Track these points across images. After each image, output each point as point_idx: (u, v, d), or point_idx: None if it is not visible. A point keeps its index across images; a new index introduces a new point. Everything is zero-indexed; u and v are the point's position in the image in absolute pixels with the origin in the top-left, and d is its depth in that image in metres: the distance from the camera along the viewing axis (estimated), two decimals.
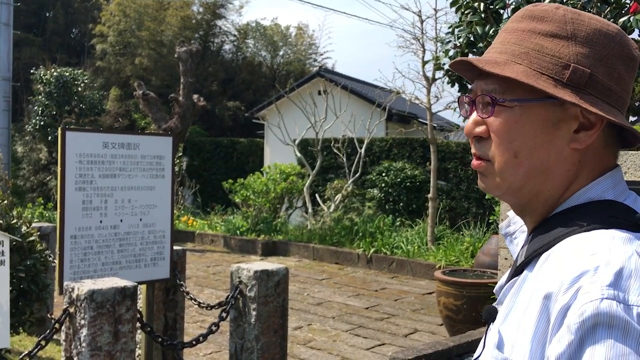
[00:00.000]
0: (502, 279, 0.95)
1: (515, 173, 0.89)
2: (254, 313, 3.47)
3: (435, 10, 9.33)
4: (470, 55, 5.04)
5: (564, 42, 0.86)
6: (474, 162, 0.94)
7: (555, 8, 0.89)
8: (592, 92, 0.84)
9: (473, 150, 0.94)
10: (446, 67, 5.56)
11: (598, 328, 0.70)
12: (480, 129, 0.92)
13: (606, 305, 0.70)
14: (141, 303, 3.78)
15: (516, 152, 0.88)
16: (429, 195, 9.42)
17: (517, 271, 0.89)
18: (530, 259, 0.86)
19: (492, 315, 0.90)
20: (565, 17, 0.87)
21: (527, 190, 0.90)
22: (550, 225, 0.86)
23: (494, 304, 0.94)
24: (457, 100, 1.04)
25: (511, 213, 1.03)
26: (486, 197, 9.84)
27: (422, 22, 9.52)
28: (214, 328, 3.54)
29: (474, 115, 0.93)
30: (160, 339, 3.36)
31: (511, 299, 0.87)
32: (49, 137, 15.16)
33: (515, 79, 0.85)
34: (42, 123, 15.26)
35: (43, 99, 15.39)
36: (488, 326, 0.91)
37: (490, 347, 0.88)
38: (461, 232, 9.61)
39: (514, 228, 1.03)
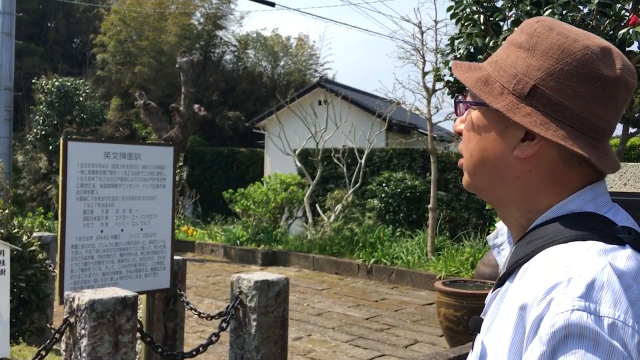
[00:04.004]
0: (491, 290, 0.96)
1: (474, 172, 0.95)
2: (254, 323, 3.47)
3: (436, 22, 9.38)
4: None
5: (524, 53, 0.89)
6: (460, 160, 1.00)
7: (536, 22, 0.92)
8: (536, 103, 0.86)
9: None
10: (446, 78, 5.59)
11: (569, 339, 0.71)
12: (461, 126, 0.99)
13: (576, 317, 0.71)
14: (141, 313, 3.78)
15: (471, 152, 0.95)
16: (429, 206, 9.42)
17: (500, 282, 0.90)
18: (511, 270, 0.87)
19: (477, 326, 0.91)
20: (536, 31, 0.90)
21: (492, 191, 0.94)
22: (531, 236, 0.87)
23: (481, 315, 0.95)
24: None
25: (499, 225, 1.04)
26: (486, 207, 9.85)
27: (422, 33, 9.57)
28: (214, 338, 3.53)
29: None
30: (160, 349, 3.35)
31: (494, 310, 0.88)
32: (50, 147, 15.20)
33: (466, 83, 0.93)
34: (43, 132, 15.30)
35: (44, 108, 15.43)
36: (475, 337, 0.92)
37: (474, 358, 0.89)
38: (461, 243, 9.60)
39: (501, 240, 1.05)
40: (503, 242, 1.04)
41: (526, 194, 0.90)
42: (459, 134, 0.99)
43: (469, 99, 0.96)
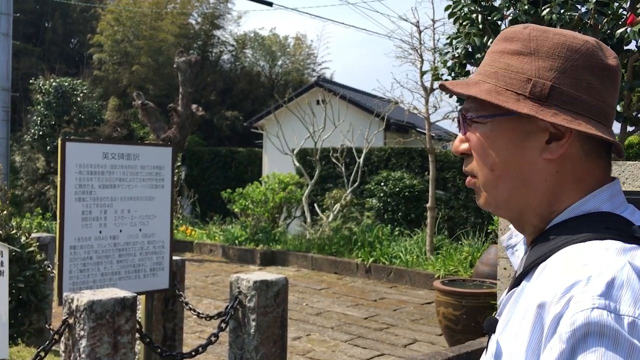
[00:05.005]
0: (505, 290, 0.96)
1: (496, 187, 0.93)
2: (253, 323, 3.46)
3: (433, 21, 9.38)
4: (468, 66, 5.07)
5: (527, 58, 0.90)
6: (467, 180, 0.99)
7: (523, 28, 0.93)
8: (557, 102, 0.87)
9: (464, 168, 0.99)
10: (444, 77, 5.59)
11: (589, 337, 0.71)
12: (464, 146, 0.97)
13: (597, 315, 0.71)
14: (140, 313, 3.78)
15: (492, 166, 0.93)
16: (428, 205, 9.42)
17: (516, 282, 0.90)
18: (528, 270, 0.88)
19: (492, 327, 0.91)
20: (530, 35, 0.91)
21: (513, 203, 0.93)
22: (548, 236, 0.88)
23: (495, 315, 0.95)
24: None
25: (512, 225, 1.04)
26: None
27: (420, 32, 9.56)
28: (213, 339, 3.53)
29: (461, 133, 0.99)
30: (159, 350, 3.35)
31: (509, 309, 0.88)
32: (47, 147, 15.17)
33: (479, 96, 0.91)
34: (40, 133, 15.28)
35: (42, 108, 15.41)
36: (489, 337, 0.92)
37: (489, 358, 0.89)
38: (460, 242, 9.60)
39: (515, 240, 1.05)
40: (517, 243, 1.04)
41: (550, 197, 0.90)
42: (461, 154, 0.98)
43: (471, 114, 0.94)
